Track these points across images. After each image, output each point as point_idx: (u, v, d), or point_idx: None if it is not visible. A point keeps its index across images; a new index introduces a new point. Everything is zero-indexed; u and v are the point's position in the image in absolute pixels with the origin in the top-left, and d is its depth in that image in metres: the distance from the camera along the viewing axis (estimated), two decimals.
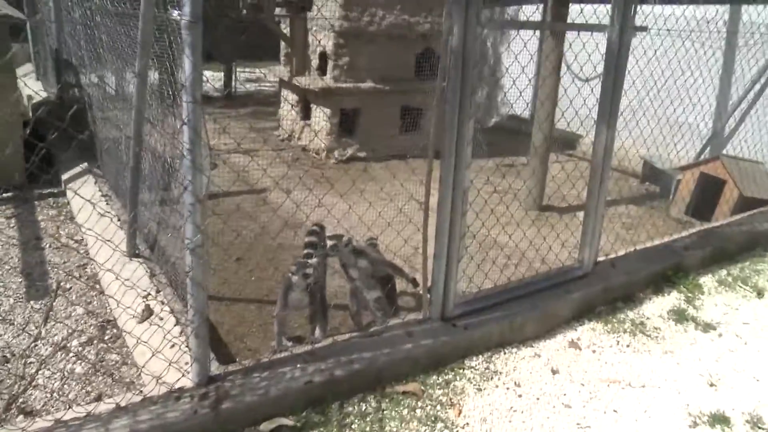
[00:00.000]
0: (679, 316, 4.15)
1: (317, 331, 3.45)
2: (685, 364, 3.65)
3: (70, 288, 3.95)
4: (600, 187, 4.01)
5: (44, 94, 8.46)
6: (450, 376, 3.34)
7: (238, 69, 12.79)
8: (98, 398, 2.87)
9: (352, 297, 3.75)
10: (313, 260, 3.34)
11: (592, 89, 3.85)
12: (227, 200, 6.06)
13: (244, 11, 7.33)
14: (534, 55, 8.10)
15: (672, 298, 4.39)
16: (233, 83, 12.36)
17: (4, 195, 5.26)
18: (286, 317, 3.43)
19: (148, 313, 3.38)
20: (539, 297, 3.90)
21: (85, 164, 5.64)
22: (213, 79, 12.97)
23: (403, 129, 8.02)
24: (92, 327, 3.55)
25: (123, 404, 2.60)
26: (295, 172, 6.84)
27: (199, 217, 2.53)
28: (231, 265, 4.74)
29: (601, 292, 4.15)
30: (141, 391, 2.67)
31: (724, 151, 7.05)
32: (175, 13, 2.36)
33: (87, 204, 4.64)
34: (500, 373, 3.43)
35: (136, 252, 4.06)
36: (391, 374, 3.21)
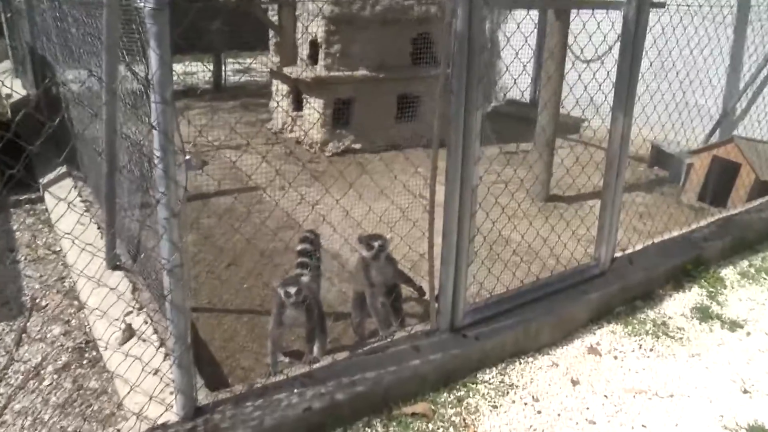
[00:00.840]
0: (703, 314, 3.86)
1: (315, 350, 3.15)
2: (714, 369, 3.38)
3: (47, 305, 3.65)
4: (617, 179, 3.71)
5: (23, 92, 8.12)
6: (462, 393, 3.05)
7: (227, 60, 12.38)
8: None
9: (356, 306, 3.46)
10: (305, 278, 3.02)
11: (608, 72, 3.53)
12: (218, 200, 5.73)
13: None
14: (534, 32, 7.76)
15: (693, 294, 4.10)
16: (223, 75, 11.98)
17: None
18: (281, 335, 3.13)
19: (129, 333, 3.09)
20: (555, 300, 3.61)
21: (65, 167, 5.31)
22: (201, 71, 12.57)
23: (400, 118, 7.67)
24: (70, 350, 3.25)
25: None
26: (288, 167, 6.51)
27: (176, 233, 2.22)
28: (222, 271, 4.43)
29: (619, 292, 3.86)
30: (119, 430, 2.37)
31: (736, 133, 6.73)
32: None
33: (66, 211, 4.34)
34: (516, 386, 3.15)
35: (117, 263, 3.75)
36: (398, 394, 2.92)
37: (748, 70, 6.77)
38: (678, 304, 3.97)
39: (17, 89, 8.47)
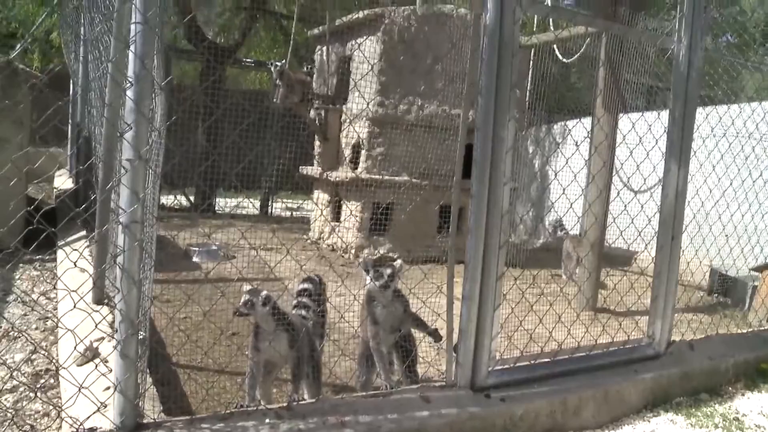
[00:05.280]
0: None
1: (304, 394, 2.63)
2: None
3: (17, 337, 3.26)
4: (672, 242, 3.24)
5: (71, 185, 8.32)
6: None
7: (276, 198, 12.56)
8: None
9: (362, 358, 2.94)
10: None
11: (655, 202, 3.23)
12: (236, 285, 5.41)
13: (276, 100, 7.08)
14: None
15: None
16: (270, 207, 12.06)
17: None
18: (263, 370, 2.62)
19: (91, 354, 2.65)
20: (600, 375, 3.02)
21: (84, 231, 5.14)
22: (251, 206, 12.77)
23: (442, 230, 7.35)
24: (26, 375, 2.81)
25: None
26: (316, 267, 6.19)
27: (140, 181, 1.89)
28: (224, 339, 4.02)
29: (680, 379, 3.23)
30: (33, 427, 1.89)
31: None
32: None
33: (68, 260, 4.09)
34: None
35: (105, 301, 3.39)
36: None
37: None
38: (753, 404, 3.28)
39: (66, 185, 8.73)
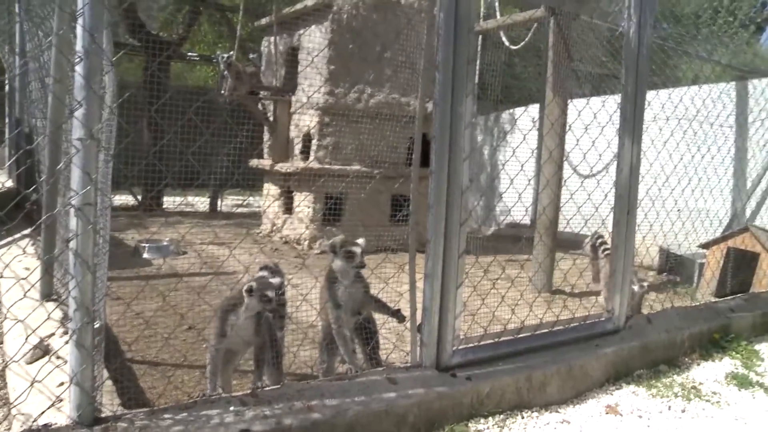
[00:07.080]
0: (741, 381, 3.25)
1: (265, 380, 2.56)
2: None
3: None
4: (628, 216, 3.29)
5: (8, 185, 7.96)
6: None
7: (226, 195, 12.36)
8: None
9: (323, 345, 2.88)
10: (275, 280, 2.54)
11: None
12: (195, 280, 5.29)
13: (224, 92, 6.92)
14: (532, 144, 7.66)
15: (725, 364, 3.51)
16: (219, 203, 11.86)
17: None
18: (226, 355, 2.54)
19: (41, 351, 2.51)
20: (563, 351, 3.04)
21: (28, 230, 4.91)
22: (201, 202, 12.52)
23: (393, 219, 7.34)
24: None
25: None
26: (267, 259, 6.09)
27: (92, 160, 1.79)
28: (181, 333, 3.92)
29: (639, 352, 3.29)
30: None
31: None
32: None
33: (9, 255, 3.89)
34: None
35: (53, 296, 3.24)
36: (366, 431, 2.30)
37: (755, 168, 6.53)
38: (709, 372, 3.37)
39: (6, 184, 8.35)
